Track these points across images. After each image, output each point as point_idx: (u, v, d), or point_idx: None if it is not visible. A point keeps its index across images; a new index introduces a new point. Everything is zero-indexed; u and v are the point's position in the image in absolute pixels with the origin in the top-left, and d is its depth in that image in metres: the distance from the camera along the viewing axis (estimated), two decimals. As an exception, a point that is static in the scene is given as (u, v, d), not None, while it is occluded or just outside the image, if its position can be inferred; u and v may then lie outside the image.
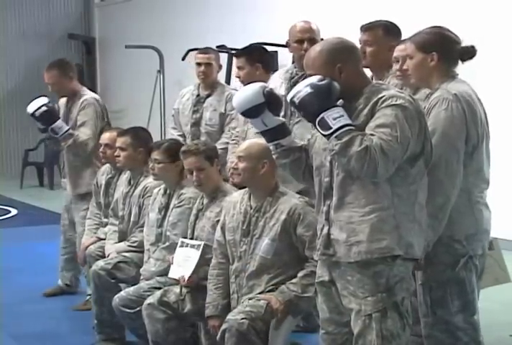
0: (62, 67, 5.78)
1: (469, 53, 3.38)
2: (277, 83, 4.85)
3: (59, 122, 5.51)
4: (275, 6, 10.71)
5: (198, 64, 5.79)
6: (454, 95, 3.25)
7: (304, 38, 4.76)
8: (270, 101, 3.20)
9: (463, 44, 3.39)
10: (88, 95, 5.81)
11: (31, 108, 5.45)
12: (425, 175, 3.10)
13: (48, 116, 5.47)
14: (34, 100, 5.51)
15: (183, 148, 4.40)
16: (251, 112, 3.21)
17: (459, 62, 3.41)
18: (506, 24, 7.71)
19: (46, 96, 5.61)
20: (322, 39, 4.65)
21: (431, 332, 3.39)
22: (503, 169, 6.78)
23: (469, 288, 3.36)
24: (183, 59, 9.95)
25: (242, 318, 3.74)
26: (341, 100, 3.00)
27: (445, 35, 3.40)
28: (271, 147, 3.30)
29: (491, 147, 3.45)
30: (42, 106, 5.43)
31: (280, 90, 4.68)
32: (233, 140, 5.34)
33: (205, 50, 5.91)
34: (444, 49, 3.36)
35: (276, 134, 3.24)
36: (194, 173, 4.28)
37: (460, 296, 3.34)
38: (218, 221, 4.17)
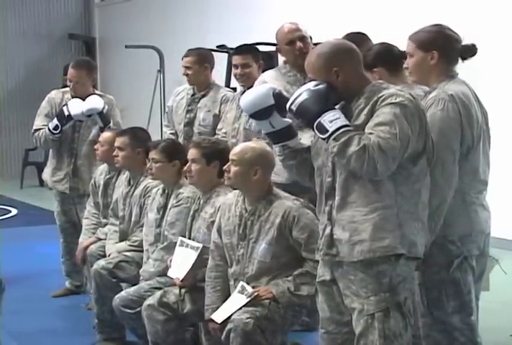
0: (90, 69, 5.88)
1: (469, 51, 3.37)
2: (274, 81, 4.71)
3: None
4: (275, 5, 10.71)
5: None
6: (450, 95, 3.24)
7: (294, 38, 4.75)
8: (278, 103, 3.20)
9: (464, 43, 3.37)
10: (105, 95, 5.93)
11: (97, 104, 5.59)
12: (428, 173, 3.09)
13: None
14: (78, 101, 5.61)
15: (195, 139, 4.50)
16: (260, 114, 3.23)
17: (460, 60, 3.39)
18: (507, 22, 7.70)
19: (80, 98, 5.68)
20: (311, 38, 4.70)
21: (429, 332, 3.40)
22: (503, 169, 6.78)
23: (465, 289, 3.34)
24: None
25: (248, 318, 3.71)
26: (342, 102, 3.01)
27: (445, 34, 3.38)
28: (277, 149, 3.30)
29: (492, 147, 3.44)
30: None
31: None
32: None
33: (185, 53, 5.82)
34: (445, 48, 3.34)
35: (283, 135, 3.25)
36: (188, 164, 4.31)
37: (456, 297, 3.33)
38: (212, 221, 4.16)
